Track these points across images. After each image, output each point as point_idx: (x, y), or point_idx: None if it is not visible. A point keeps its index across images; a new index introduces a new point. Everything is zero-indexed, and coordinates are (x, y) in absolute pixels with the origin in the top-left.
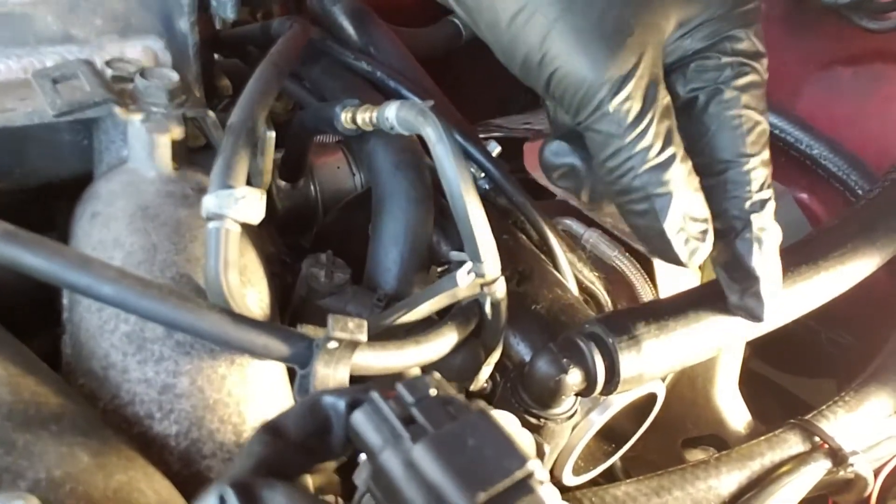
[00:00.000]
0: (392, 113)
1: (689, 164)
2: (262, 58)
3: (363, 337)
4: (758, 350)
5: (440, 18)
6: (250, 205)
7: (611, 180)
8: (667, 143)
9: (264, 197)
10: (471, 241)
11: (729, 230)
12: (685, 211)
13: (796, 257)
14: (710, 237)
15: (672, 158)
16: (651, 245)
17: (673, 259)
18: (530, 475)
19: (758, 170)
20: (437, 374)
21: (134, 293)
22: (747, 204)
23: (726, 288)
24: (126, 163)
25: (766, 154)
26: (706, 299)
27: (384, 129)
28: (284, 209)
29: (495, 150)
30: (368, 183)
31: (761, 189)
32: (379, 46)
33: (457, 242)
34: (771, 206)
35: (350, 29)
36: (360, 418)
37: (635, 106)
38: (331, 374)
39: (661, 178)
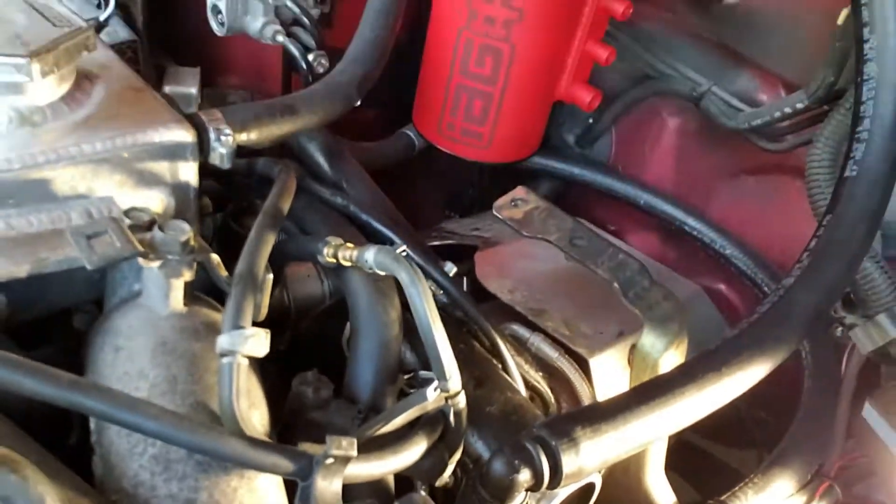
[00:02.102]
0: (371, 256)
1: None
2: (244, 186)
3: (354, 452)
4: None
5: (395, 130)
6: (258, 342)
7: None
8: None
9: (269, 335)
10: (438, 363)
11: None
12: None
13: (703, 367)
14: None
15: None
16: None
17: None
18: None
19: None
20: (424, 495)
21: (172, 427)
22: None
23: None
24: (138, 297)
25: None
26: (633, 404)
27: (363, 268)
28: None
29: (452, 270)
30: (337, 289)
31: None
32: (350, 181)
33: (420, 352)
34: None
35: (325, 165)
36: None
37: None
38: (328, 485)
39: None
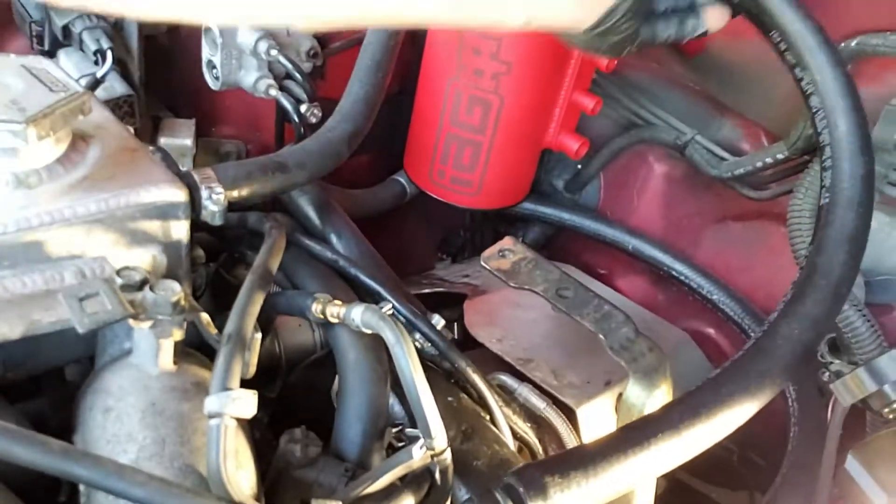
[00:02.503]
0: (357, 315)
1: None
2: (236, 237)
3: None
4: None
5: (387, 176)
6: (245, 403)
7: None
8: None
9: (255, 396)
10: (423, 421)
11: None
12: None
13: (681, 409)
14: None
15: None
16: None
17: None
18: None
19: None
20: None
21: (160, 495)
22: None
23: None
24: (128, 356)
25: None
26: (607, 451)
27: (350, 326)
28: None
29: (439, 323)
30: (327, 339)
31: None
32: (340, 235)
33: (408, 404)
34: None
35: (315, 219)
36: None
37: None
38: None
39: None
